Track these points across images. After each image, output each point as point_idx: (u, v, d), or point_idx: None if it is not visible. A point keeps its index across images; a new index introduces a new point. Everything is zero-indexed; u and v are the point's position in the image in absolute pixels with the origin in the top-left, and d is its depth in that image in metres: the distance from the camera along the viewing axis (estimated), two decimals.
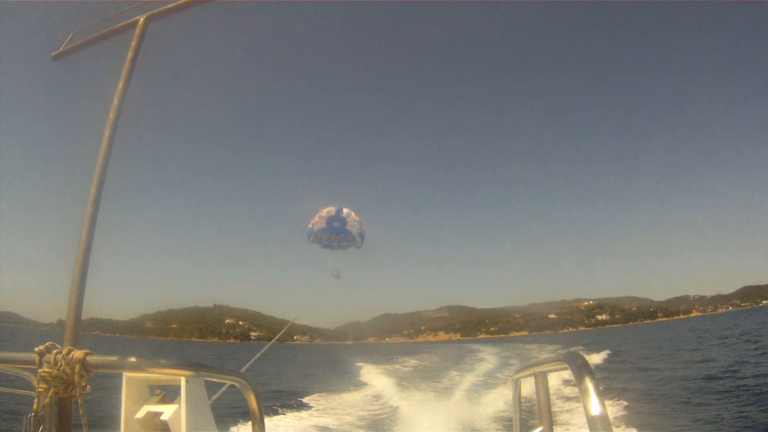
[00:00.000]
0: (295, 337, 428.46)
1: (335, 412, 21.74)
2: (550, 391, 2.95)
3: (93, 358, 2.59)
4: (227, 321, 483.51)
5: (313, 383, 33.26)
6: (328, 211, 16.51)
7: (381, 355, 60.91)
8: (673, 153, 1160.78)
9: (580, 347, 53.38)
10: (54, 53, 4.38)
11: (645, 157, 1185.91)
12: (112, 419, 3.02)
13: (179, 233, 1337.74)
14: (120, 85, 3.59)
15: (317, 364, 58.15)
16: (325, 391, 27.48)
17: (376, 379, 32.48)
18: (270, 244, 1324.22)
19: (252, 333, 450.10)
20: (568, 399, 18.45)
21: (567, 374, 2.25)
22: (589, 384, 1.91)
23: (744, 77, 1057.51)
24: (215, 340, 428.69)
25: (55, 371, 2.54)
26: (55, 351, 2.61)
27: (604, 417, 1.80)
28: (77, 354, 2.57)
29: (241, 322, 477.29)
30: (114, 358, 2.65)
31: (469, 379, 31.45)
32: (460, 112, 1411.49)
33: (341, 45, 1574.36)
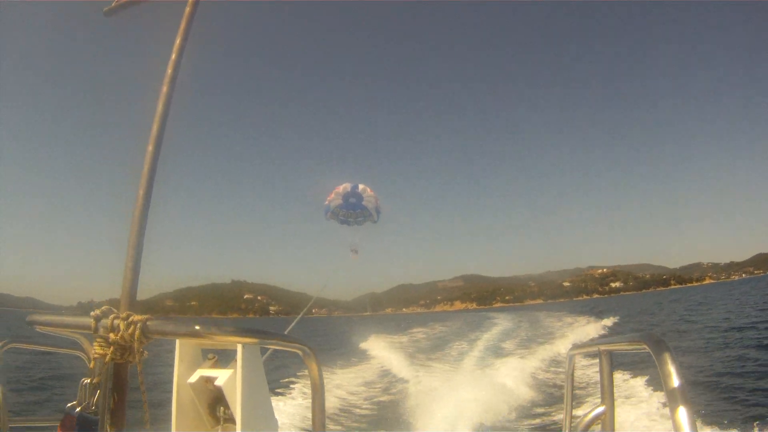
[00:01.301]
0: (314, 311, 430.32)
1: (361, 386, 20.80)
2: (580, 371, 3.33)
3: (153, 323, 2.49)
4: (246, 296, 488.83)
5: (337, 356, 31.24)
6: (344, 187, 16.58)
7: (401, 326, 60.71)
8: (688, 120, 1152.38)
9: (591, 317, 53.04)
10: (106, 8, 4.08)
11: (659, 123, 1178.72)
12: (164, 383, 3.08)
13: (194, 210, 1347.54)
14: (173, 55, 3.34)
15: (339, 335, 57.83)
16: (348, 364, 26.68)
17: (402, 352, 31.06)
18: (285, 220, 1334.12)
19: (271, 307, 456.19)
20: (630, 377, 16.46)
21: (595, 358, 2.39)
22: (672, 369, 1.85)
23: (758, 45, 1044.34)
24: (236, 315, 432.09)
25: (114, 337, 2.43)
26: (112, 316, 2.50)
27: (688, 411, 1.73)
28: (137, 318, 2.46)
29: (259, 297, 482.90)
30: (173, 325, 2.55)
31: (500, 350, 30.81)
32: (470, 84, 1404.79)
33: (371, 32, 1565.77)
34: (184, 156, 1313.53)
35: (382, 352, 30.71)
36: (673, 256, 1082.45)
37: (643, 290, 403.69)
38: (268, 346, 2.82)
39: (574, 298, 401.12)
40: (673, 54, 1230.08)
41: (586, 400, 14.00)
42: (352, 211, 16.47)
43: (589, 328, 39.35)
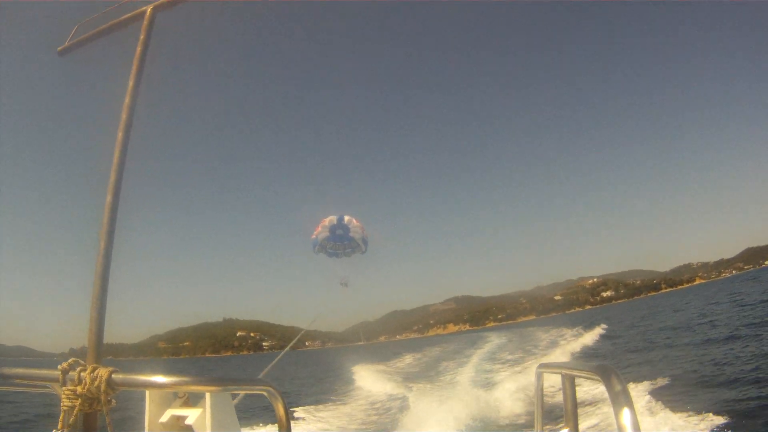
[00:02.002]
0: (306, 343, 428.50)
1: (348, 416, 21.18)
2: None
3: (118, 377, 2.57)
4: (238, 334, 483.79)
5: (324, 389, 32.76)
6: (330, 220, 16.69)
7: (392, 353, 61.66)
8: (667, 120, 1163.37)
9: (579, 328, 54.85)
10: (60, 48, 4.22)
11: (640, 126, 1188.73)
12: (136, 423, 3.14)
13: (180, 251, 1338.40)
14: (131, 82, 3.44)
15: (326, 368, 58.20)
16: (334, 396, 27.25)
17: (388, 379, 31.59)
18: (274, 255, 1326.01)
19: (264, 343, 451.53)
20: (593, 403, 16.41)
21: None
22: (624, 405, 1.87)
23: (734, 42, 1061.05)
24: (229, 353, 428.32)
25: (80, 389, 2.53)
26: (79, 368, 2.59)
27: (634, 422, 1.79)
28: (102, 372, 2.54)
29: (252, 334, 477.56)
30: (140, 377, 2.62)
31: (482, 368, 32.06)
32: (452, 103, 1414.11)
33: (341, 46, 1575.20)
34: (167, 193, 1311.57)
35: (369, 382, 30.70)
36: (662, 259, 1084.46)
37: (635, 297, 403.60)
38: (234, 392, 2.88)
39: (567, 311, 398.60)
40: (662, 53, 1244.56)
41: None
42: (340, 243, 16.64)
43: (573, 344, 39.69)
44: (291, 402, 24.62)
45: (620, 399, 1.89)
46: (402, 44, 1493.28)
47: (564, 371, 2.84)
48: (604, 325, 50.37)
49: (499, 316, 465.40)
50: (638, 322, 55.66)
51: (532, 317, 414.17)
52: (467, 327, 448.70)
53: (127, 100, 3.35)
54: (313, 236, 16.74)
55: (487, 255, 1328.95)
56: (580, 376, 2.75)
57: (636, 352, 28.80)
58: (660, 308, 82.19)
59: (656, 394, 15.94)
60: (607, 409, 14.78)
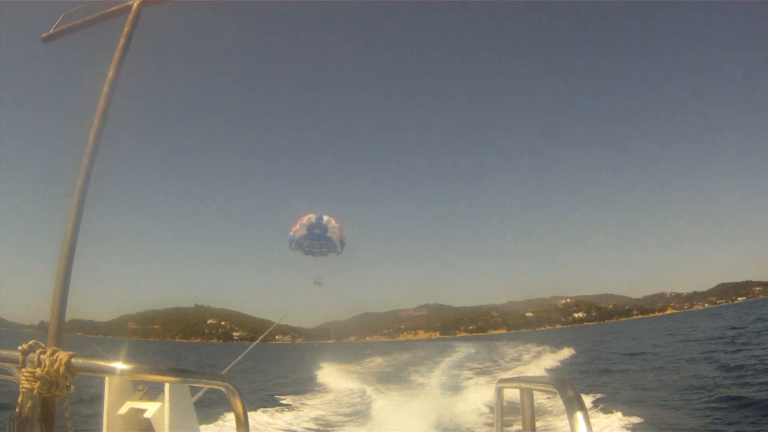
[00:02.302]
0: (276, 337, 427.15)
1: (315, 411, 21.48)
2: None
3: (78, 361, 2.54)
4: (209, 321, 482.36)
5: (290, 384, 33.38)
6: (308, 218, 16.68)
7: (362, 354, 62.28)
8: (652, 152, 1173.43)
9: (547, 347, 56.13)
10: (44, 35, 4.21)
11: (623, 152, 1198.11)
12: (95, 415, 3.12)
13: (159, 233, 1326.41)
14: (110, 73, 3.48)
15: (297, 363, 57.84)
16: (302, 392, 27.46)
17: (353, 378, 32.58)
18: (250, 245, 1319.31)
19: (234, 333, 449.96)
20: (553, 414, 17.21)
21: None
22: (580, 418, 1.91)
23: (723, 72, 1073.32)
24: (199, 340, 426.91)
25: (39, 372, 2.49)
26: (39, 351, 2.57)
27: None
28: (62, 356, 2.51)
29: (223, 323, 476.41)
30: (99, 362, 2.59)
31: (447, 376, 32.46)
32: (438, 107, 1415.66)
33: (331, 44, 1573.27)
34: (158, 171, 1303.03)
35: (336, 380, 31.25)
36: (636, 287, 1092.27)
37: (606, 320, 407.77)
38: (192, 384, 2.91)
39: (537, 329, 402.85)
40: (644, 78, 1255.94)
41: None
42: (317, 242, 16.88)
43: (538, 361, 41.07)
44: (258, 398, 25.02)
45: (574, 405, 1.98)
46: (394, 43, 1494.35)
47: (522, 385, 2.94)
48: (571, 349, 51.25)
49: (470, 327, 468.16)
50: (596, 346, 58.79)
51: (503, 331, 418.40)
52: (437, 335, 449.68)
53: (105, 89, 3.42)
54: (291, 233, 16.85)
55: (462, 265, 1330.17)
56: (538, 389, 2.85)
57: (587, 372, 31.08)
58: (623, 334, 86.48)
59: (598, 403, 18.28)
60: (563, 422, 15.63)
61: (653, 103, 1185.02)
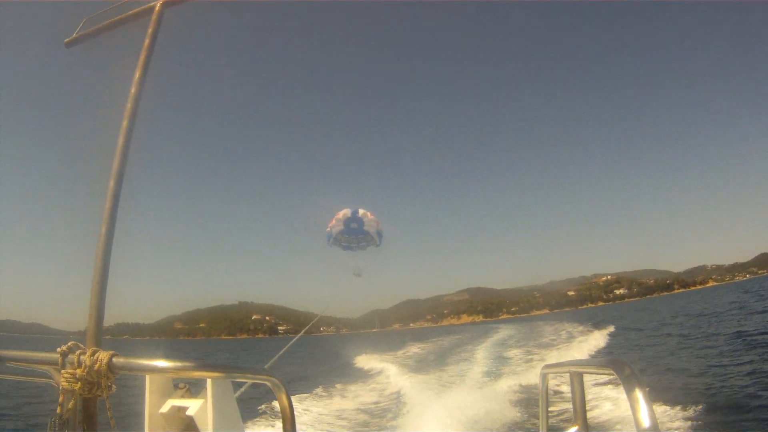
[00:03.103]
0: (321, 329, 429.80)
1: (360, 402, 20.85)
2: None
3: (119, 360, 2.49)
4: (254, 317, 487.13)
5: (336, 374, 32.39)
6: (344, 213, 16.57)
7: (402, 342, 60.48)
8: (687, 122, 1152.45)
9: (590, 325, 55.84)
10: (67, 40, 4.13)
11: (659, 126, 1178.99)
12: (136, 414, 3.05)
13: (199, 234, 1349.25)
14: (137, 74, 3.42)
15: (334, 354, 56.00)
16: (345, 381, 26.66)
17: (389, 366, 31.92)
18: (289, 241, 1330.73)
19: (279, 327, 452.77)
20: (603, 398, 16.14)
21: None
22: (639, 396, 1.84)
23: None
24: (244, 336, 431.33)
25: (80, 372, 2.45)
26: (78, 351, 2.52)
27: (651, 416, 1.76)
28: (102, 356, 2.46)
29: (267, 318, 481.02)
30: (140, 360, 2.54)
31: (486, 361, 31.38)
32: (469, 93, 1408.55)
33: (351, 43, 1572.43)
34: (194, 174, 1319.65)
35: (374, 369, 31.35)
36: (677, 260, 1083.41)
37: (647, 296, 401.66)
38: (235, 380, 2.83)
39: (579, 307, 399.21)
40: (676, 55, 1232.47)
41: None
42: (354, 236, 16.73)
43: (584, 341, 39.94)
44: (296, 389, 24.26)
45: (633, 385, 1.92)
46: (414, 41, 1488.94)
47: (572, 369, 2.79)
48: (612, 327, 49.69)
49: (513, 309, 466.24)
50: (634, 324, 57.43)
51: (546, 311, 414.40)
52: (481, 318, 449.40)
53: (133, 90, 3.39)
54: (328, 229, 16.72)
55: (502, 248, 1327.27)
56: (590, 372, 2.77)
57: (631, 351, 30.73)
58: (665, 310, 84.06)
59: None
60: (612, 405, 15.01)
61: (702, 70, 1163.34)
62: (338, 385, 24.69)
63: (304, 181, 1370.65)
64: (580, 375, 2.75)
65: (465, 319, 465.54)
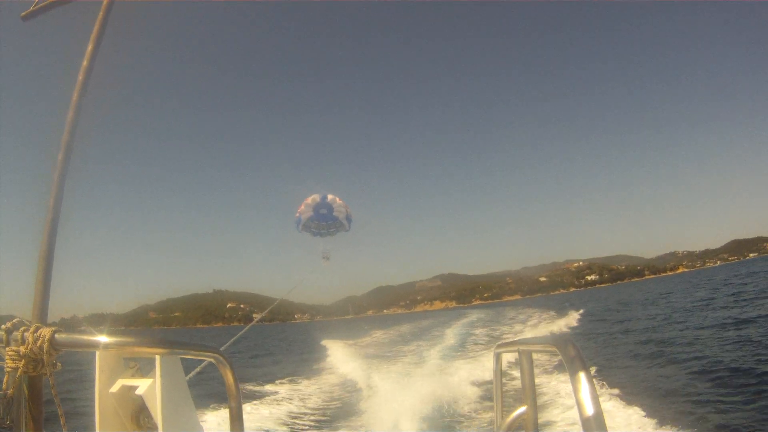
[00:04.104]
0: (296, 316, 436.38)
1: (320, 387, 21.20)
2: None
3: (62, 336, 2.41)
4: (229, 305, 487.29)
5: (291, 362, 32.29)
6: (313, 198, 16.53)
7: (364, 329, 61.35)
8: (659, 106, 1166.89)
9: (552, 312, 56.90)
10: (23, 13, 3.88)
11: (633, 113, 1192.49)
12: (87, 394, 2.90)
13: (169, 222, 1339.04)
14: (90, 46, 3.26)
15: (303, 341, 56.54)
16: (301, 372, 26.52)
17: (353, 354, 32.33)
18: (261, 227, 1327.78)
19: (254, 315, 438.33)
20: (551, 374, 16.97)
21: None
22: (583, 377, 1.76)
23: (731, 42, 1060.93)
24: (220, 324, 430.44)
25: (23, 350, 2.37)
26: (22, 328, 2.42)
27: (598, 416, 1.64)
28: (45, 332, 2.39)
29: (242, 305, 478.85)
30: (84, 337, 2.50)
31: (450, 346, 32.04)
32: (444, 84, 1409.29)
33: (320, 34, 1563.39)
34: (160, 165, 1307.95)
35: (338, 357, 31.25)
36: (648, 246, 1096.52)
37: (618, 281, 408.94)
38: (181, 356, 2.79)
39: (551, 293, 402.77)
40: (660, 43, 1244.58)
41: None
42: (324, 222, 16.78)
43: (548, 324, 42.34)
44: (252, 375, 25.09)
45: (576, 365, 1.85)
46: (395, 32, 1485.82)
47: (521, 347, 2.72)
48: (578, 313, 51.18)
49: (485, 295, 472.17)
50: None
51: (518, 297, 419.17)
52: (454, 304, 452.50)
53: (84, 63, 3.24)
54: (297, 215, 16.66)
55: (475, 234, 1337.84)
56: (537, 350, 2.72)
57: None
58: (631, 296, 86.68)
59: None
60: (562, 383, 15.54)
61: (666, 57, 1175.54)
62: (299, 376, 24.99)
63: (277, 168, 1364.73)
64: (529, 353, 2.76)
65: (438, 305, 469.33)
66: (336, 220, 16.69)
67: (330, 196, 16.77)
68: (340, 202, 16.78)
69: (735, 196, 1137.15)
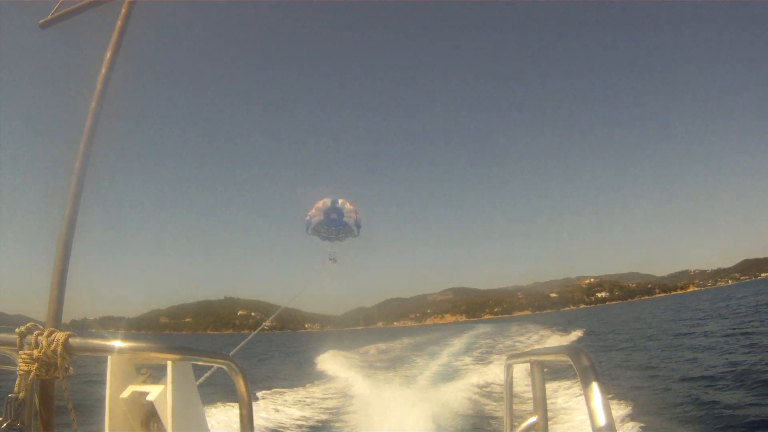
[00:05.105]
0: (306, 326, 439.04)
1: (329, 396, 21.00)
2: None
3: (75, 341, 2.43)
4: (240, 312, 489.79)
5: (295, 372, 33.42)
6: (324, 202, 16.48)
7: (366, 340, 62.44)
8: (676, 128, 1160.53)
9: (555, 328, 58.10)
10: (42, 21, 3.86)
11: (647, 132, 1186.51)
12: (97, 399, 2.87)
13: (184, 228, 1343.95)
14: (108, 54, 3.29)
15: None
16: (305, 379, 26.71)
17: (350, 366, 32.44)
18: (272, 236, 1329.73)
19: (265, 323, 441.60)
20: (566, 387, 16.77)
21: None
22: (595, 387, 1.77)
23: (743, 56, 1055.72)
24: (230, 331, 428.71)
25: (37, 353, 2.40)
26: (36, 332, 2.44)
27: (611, 426, 1.65)
28: (59, 336, 2.41)
29: (253, 313, 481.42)
30: (98, 341, 2.50)
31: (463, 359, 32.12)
32: (459, 96, 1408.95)
33: (331, 34, 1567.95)
34: (177, 170, 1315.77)
35: (339, 367, 31.71)
36: (661, 264, 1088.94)
37: (629, 299, 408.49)
38: (194, 362, 2.77)
39: (561, 309, 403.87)
40: (665, 55, 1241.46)
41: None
42: (334, 227, 16.79)
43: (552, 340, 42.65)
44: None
45: (589, 375, 1.85)
46: (408, 39, 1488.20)
47: (532, 358, 2.74)
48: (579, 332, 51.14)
49: (495, 310, 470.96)
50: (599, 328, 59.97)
51: (527, 312, 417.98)
52: (464, 318, 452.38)
53: (103, 71, 3.26)
54: (308, 218, 16.62)
55: (487, 248, 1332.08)
56: (549, 360, 2.67)
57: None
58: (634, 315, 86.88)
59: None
60: (573, 393, 15.50)
61: (689, 78, 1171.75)
62: (304, 384, 24.59)
63: (294, 178, 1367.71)
64: (541, 364, 2.74)
65: (448, 318, 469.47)
66: (346, 226, 16.80)
67: (341, 201, 16.83)
68: (351, 207, 16.85)
69: (748, 215, 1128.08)
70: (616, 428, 1.65)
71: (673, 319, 54.87)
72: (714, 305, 70.20)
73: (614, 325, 60.37)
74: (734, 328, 33.09)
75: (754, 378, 16.67)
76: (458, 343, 43.66)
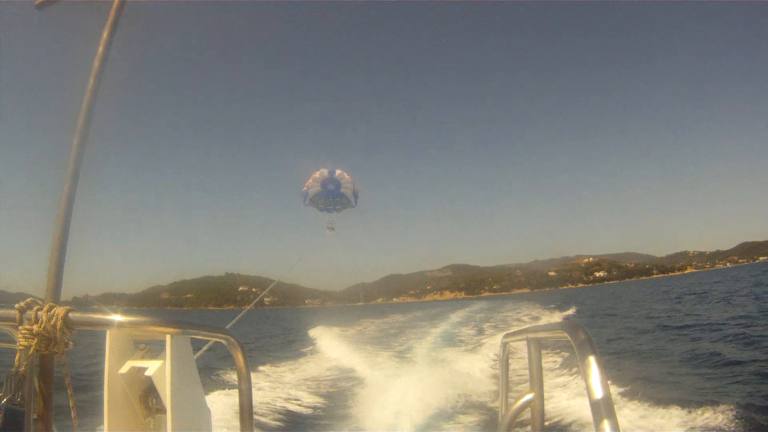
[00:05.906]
0: (306, 301, 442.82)
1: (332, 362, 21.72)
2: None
3: (75, 315, 2.44)
4: (241, 288, 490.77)
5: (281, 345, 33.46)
6: (321, 173, 16.43)
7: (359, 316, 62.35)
8: (676, 109, 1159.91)
9: (552, 306, 57.93)
10: (38, 1, 3.74)
11: (648, 112, 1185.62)
12: (96, 374, 3.60)
13: (185, 204, 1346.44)
14: (105, 34, 3.23)
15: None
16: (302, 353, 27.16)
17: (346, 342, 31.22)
18: (274, 211, 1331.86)
19: (266, 299, 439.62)
20: (560, 365, 17.06)
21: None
22: (592, 362, 1.76)
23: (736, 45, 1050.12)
24: (231, 307, 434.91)
25: (37, 328, 2.40)
26: (36, 307, 2.45)
27: (607, 401, 1.65)
28: (59, 310, 2.42)
29: (254, 289, 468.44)
30: (97, 315, 2.51)
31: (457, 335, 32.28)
32: (452, 71, 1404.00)
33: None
34: (178, 153, 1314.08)
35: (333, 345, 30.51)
36: (660, 245, 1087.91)
37: (626, 279, 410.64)
38: (192, 336, 2.76)
39: (560, 287, 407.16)
40: (661, 43, 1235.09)
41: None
42: (331, 199, 16.65)
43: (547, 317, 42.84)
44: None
45: (586, 349, 1.86)
46: (426, 30, 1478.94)
47: (529, 335, 2.72)
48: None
49: (494, 287, 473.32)
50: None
51: (526, 290, 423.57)
52: (463, 295, 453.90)
53: (100, 49, 3.20)
54: (304, 188, 16.57)
55: (486, 225, 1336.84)
56: (546, 337, 2.74)
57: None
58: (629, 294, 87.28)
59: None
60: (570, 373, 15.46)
61: (687, 65, 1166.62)
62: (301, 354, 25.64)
63: (291, 150, 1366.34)
64: (537, 341, 2.72)
65: (447, 295, 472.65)
66: (343, 197, 16.60)
67: (338, 171, 16.68)
68: (348, 177, 16.71)
69: (748, 199, 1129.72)
70: (613, 402, 1.69)
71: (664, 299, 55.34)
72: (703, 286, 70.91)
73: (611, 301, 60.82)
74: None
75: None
76: (455, 317, 45.06)
